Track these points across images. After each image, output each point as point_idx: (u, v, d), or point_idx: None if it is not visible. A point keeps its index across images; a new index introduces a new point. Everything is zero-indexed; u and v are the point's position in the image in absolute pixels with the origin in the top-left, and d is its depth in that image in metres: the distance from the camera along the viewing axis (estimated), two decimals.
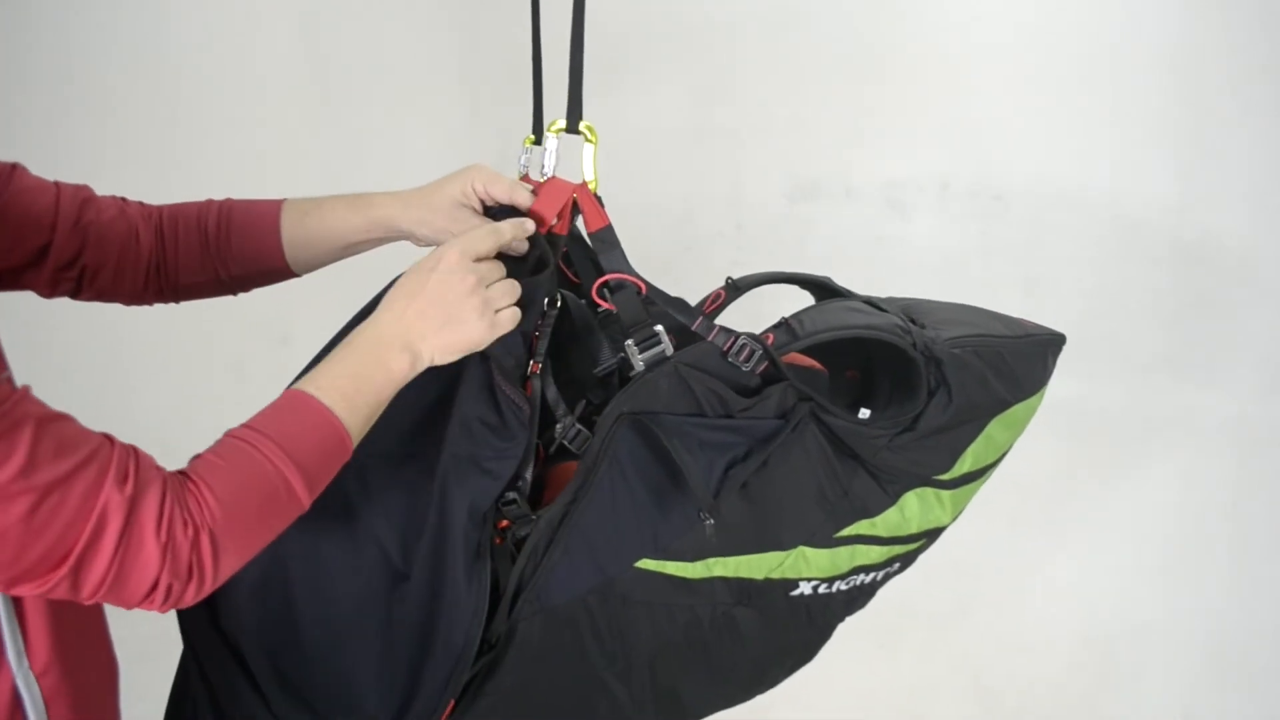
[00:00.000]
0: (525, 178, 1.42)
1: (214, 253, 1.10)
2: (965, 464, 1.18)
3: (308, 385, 0.88)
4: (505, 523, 1.08)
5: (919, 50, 2.19)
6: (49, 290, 1.08)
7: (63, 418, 0.77)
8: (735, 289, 1.28)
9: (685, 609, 1.13)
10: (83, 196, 1.07)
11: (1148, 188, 2.06)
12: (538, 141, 1.38)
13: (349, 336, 0.93)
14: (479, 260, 0.96)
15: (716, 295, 1.29)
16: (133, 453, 0.79)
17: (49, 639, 0.86)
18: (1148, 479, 2.20)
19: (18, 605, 0.84)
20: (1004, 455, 1.23)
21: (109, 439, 0.79)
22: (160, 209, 1.11)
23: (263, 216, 1.10)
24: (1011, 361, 1.17)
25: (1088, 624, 2.31)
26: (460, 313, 0.93)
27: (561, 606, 1.09)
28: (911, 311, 1.21)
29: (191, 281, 1.11)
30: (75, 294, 1.10)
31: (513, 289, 0.98)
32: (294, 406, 0.87)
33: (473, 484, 1.03)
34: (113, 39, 2.30)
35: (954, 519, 1.22)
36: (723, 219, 2.46)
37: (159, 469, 0.80)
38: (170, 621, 1.06)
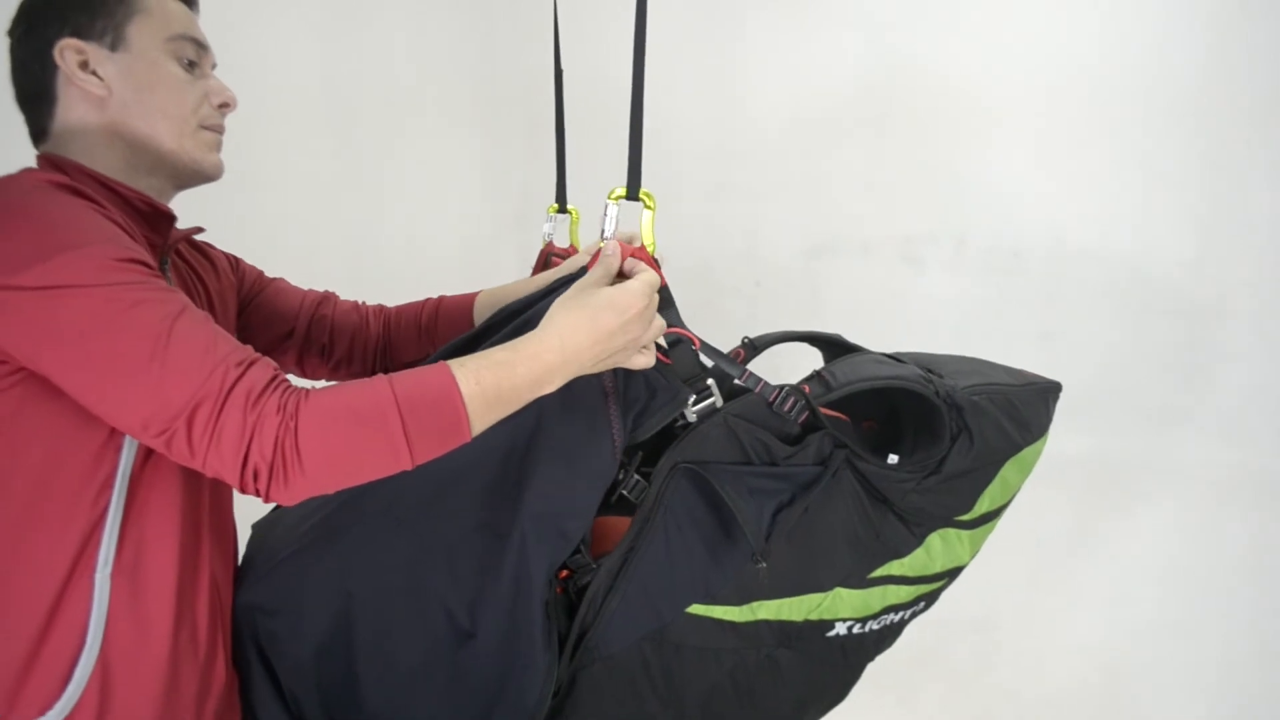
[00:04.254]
0: (550, 244, 1.48)
1: (425, 334, 1.37)
2: (983, 504, 1.25)
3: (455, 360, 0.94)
4: (565, 572, 1.11)
5: (934, 107, 2.20)
6: (296, 365, 1.36)
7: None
8: (753, 348, 1.34)
9: (732, 652, 1.17)
10: (323, 296, 1.38)
11: (1164, 243, 2.04)
12: (562, 209, 1.45)
13: (514, 342, 0.96)
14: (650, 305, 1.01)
15: (735, 354, 1.35)
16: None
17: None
18: (1165, 533, 2.15)
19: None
20: (1014, 496, 1.31)
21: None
22: (391, 308, 1.41)
23: (463, 299, 1.37)
24: (1021, 407, 1.25)
25: (1108, 678, 2.27)
26: (624, 355, 1.00)
27: (619, 654, 1.11)
28: (925, 363, 1.28)
29: (410, 360, 1.35)
30: (317, 370, 1.37)
31: (659, 330, 1.03)
32: (425, 366, 0.93)
33: (551, 545, 1.06)
34: None
35: (972, 558, 1.29)
36: (740, 275, 2.46)
37: (279, 370, 0.90)
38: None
